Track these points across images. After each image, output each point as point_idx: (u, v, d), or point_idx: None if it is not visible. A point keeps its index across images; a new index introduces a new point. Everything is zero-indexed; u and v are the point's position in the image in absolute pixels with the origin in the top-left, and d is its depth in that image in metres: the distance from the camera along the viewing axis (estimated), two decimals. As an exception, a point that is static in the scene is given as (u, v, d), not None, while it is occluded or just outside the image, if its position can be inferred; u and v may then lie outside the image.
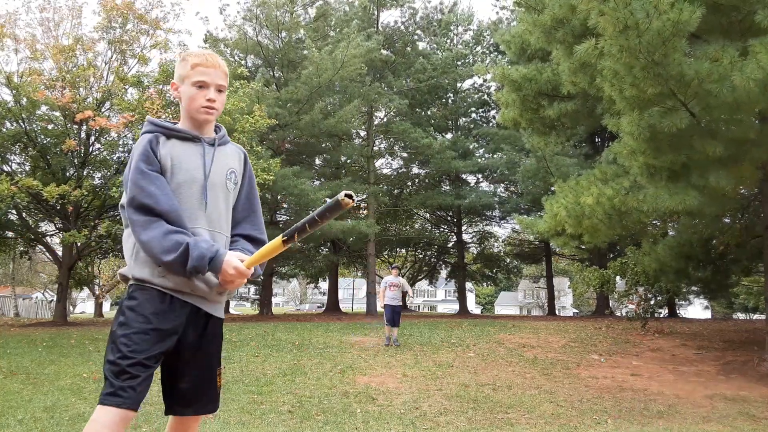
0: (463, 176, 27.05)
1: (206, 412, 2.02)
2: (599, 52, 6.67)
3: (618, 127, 7.63)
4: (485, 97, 27.27)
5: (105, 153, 17.34)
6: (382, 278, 11.30)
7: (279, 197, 20.20)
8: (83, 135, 16.61)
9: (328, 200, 1.69)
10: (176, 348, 1.91)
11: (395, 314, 10.66)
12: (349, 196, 1.63)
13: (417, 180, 27.69)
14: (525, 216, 18.05)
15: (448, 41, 27.14)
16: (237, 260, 1.84)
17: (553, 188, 12.62)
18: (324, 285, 34.61)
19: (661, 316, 17.05)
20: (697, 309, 28.67)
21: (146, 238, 1.82)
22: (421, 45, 26.09)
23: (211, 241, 1.89)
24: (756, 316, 21.94)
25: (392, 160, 28.23)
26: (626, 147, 7.73)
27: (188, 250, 1.80)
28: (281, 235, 1.80)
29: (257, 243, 2.08)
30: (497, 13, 32.37)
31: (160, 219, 1.84)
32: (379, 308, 10.74)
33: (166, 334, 1.86)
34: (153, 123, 2.02)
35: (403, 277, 33.88)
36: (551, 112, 10.05)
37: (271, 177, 15.52)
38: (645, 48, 6.04)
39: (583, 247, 16.64)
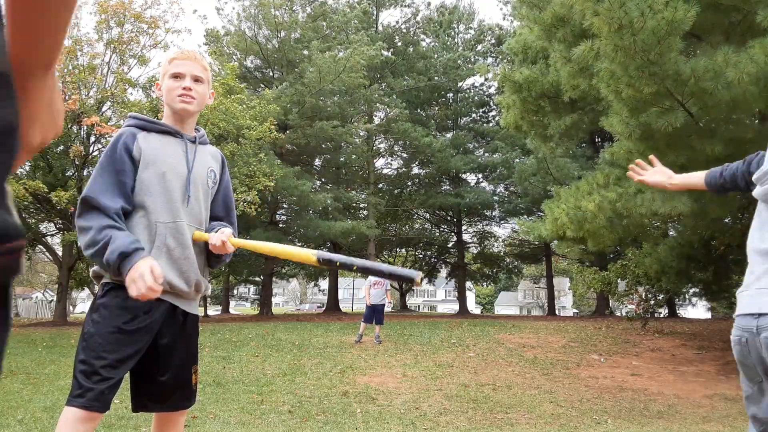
0: (463, 176, 27.06)
1: (181, 408, 2.01)
2: (595, 53, 6.68)
3: (612, 128, 7.64)
4: (485, 97, 27.29)
5: (105, 153, 17.36)
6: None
7: (279, 198, 20.21)
8: (83, 135, 16.62)
9: (405, 271, 1.64)
10: (152, 346, 1.89)
11: (376, 313, 10.84)
12: (421, 279, 1.64)
13: (417, 180, 27.70)
14: (526, 218, 18.04)
15: (449, 39, 27.15)
16: (149, 271, 1.68)
17: (552, 190, 12.62)
18: (324, 284, 34.62)
19: (661, 316, 17.05)
20: (700, 311, 28.64)
21: (81, 224, 1.80)
22: (421, 44, 26.10)
23: (137, 241, 1.78)
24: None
25: (392, 160, 28.25)
26: (623, 148, 7.73)
27: (107, 244, 1.73)
28: (318, 256, 1.69)
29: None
30: (501, 9, 32.34)
31: (100, 212, 1.79)
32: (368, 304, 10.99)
33: (141, 333, 1.84)
34: (134, 117, 2.02)
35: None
36: (554, 128, 10.06)
37: (272, 183, 15.64)
38: (640, 47, 6.05)
39: (584, 248, 16.64)
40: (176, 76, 2.00)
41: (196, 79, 2.02)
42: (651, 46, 6.05)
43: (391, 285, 13.84)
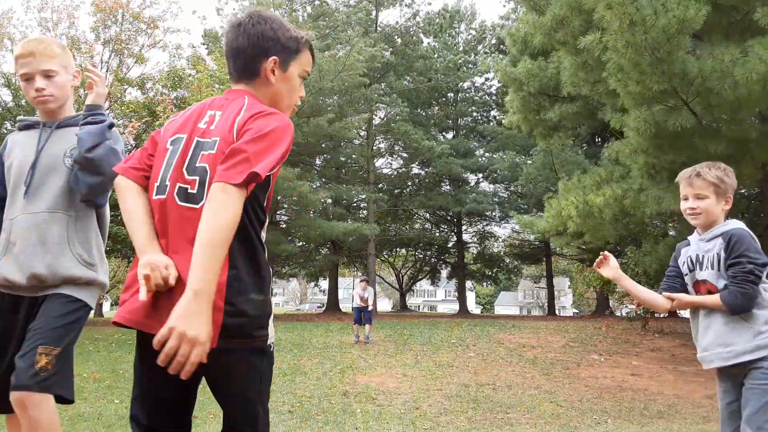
0: (464, 176, 27.11)
1: (16, 389, 1.80)
2: (603, 46, 6.66)
3: (622, 124, 7.61)
4: (486, 96, 27.29)
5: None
6: (365, 281, 11.84)
7: (279, 198, 20.19)
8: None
9: None
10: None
11: (363, 313, 11.12)
12: None
13: (417, 180, 27.71)
14: (524, 215, 18.04)
15: (450, 39, 27.15)
16: None
17: (554, 188, 12.62)
18: (324, 284, 34.63)
19: (661, 316, 17.04)
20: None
21: None
22: (421, 45, 26.11)
23: None
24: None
25: (392, 160, 28.26)
26: (629, 145, 7.72)
27: None
28: None
29: None
30: (504, 6, 32.43)
31: None
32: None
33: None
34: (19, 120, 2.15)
35: (402, 274, 34.15)
36: (552, 115, 10.05)
37: None
38: (650, 45, 6.05)
39: (584, 247, 16.59)
40: (26, 79, 1.96)
41: (47, 75, 1.96)
42: (660, 44, 6.05)
43: (390, 285, 13.89)
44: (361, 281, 11.90)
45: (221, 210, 1.25)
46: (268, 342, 1.43)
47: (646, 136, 7.08)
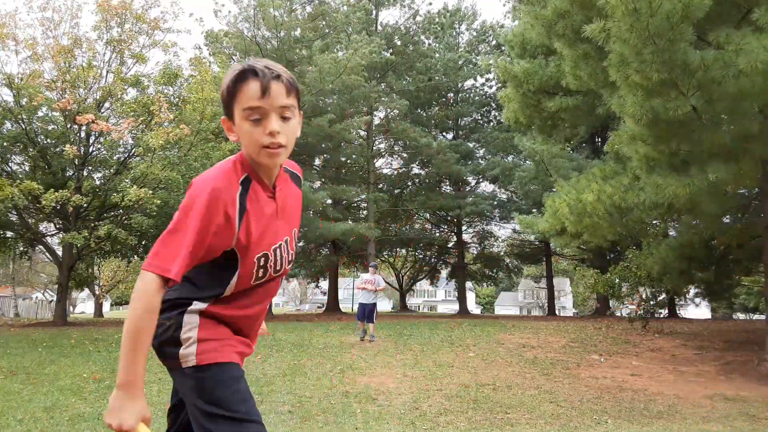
0: (464, 177, 27.13)
1: None
2: (606, 35, 6.62)
3: (621, 110, 7.58)
4: (486, 97, 27.28)
5: (105, 153, 17.33)
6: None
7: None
8: (83, 135, 16.60)
9: None
10: None
11: (366, 312, 10.99)
12: None
13: (417, 180, 27.70)
14: (525, 216, 18.07)
15: (451, 39, 27.15)
16: None
17: (554, 189, 12.62)
18: (324, 285, 34.65)
19: (661, 316, 17.05)
20: (702, 310, 28.61)
21: None
22: (422, 44, 26.10)
23: None
24: (756, 316, 21.94)
25: (392, 160, 28.26)
26: (627, 132, 7.68)
27: None
28: None
29: None
30: (504, 5, 32.45)
31: None
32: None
33: None
34: None
35: (402, 274, 34.15)
36: (552, 105, 10.00)
37: None
38: (653, 32, 6.01)
39: (584, 247, 16.59)
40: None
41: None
42: (663, 32, 6.00)
43: (390, 285, 13.87)
44: (371, 266, 11.80)
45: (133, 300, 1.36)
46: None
47: (643, 124, 7.01)
